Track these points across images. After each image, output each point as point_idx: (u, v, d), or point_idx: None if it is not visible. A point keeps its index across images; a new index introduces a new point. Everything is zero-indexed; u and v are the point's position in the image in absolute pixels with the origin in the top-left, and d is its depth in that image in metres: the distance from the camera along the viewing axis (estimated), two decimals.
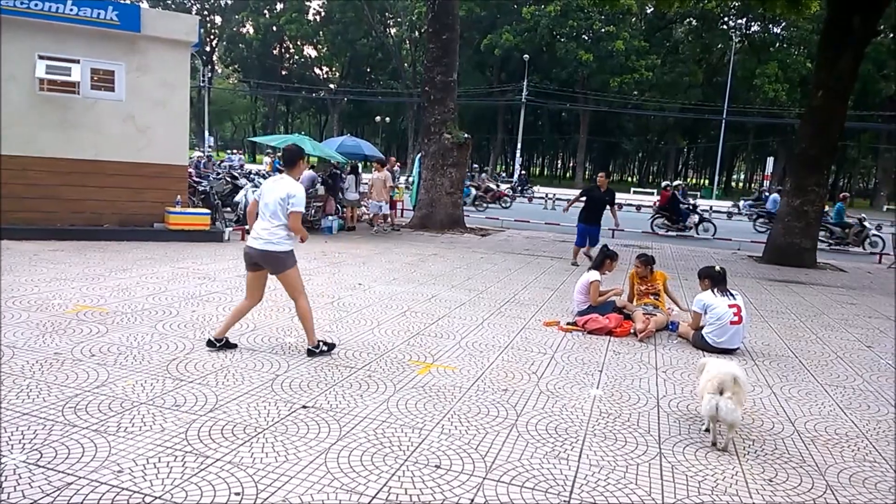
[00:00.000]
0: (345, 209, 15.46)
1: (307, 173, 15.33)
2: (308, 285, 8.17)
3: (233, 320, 5.32)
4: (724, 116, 49.06)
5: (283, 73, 71.19)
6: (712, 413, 3.94)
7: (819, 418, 4.67)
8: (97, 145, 10.90)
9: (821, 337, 7.35)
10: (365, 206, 16.59)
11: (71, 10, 10.30)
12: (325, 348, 5.30)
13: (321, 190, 14.79)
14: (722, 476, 3.63)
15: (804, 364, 6.14)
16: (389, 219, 15.70)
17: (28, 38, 10.22)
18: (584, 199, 12.06)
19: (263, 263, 5.12)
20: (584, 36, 51.29)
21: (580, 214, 11.97)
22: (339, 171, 15.89)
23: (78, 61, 10.56)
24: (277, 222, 5.00)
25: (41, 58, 10.28)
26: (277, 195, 4.98)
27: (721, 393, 3.94)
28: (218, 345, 5.22)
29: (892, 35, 43.84)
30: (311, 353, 5.23)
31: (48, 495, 2.94)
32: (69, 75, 10.43)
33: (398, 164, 16.02)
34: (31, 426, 3.64)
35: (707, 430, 4.14)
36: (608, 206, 11.92)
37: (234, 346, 5.35)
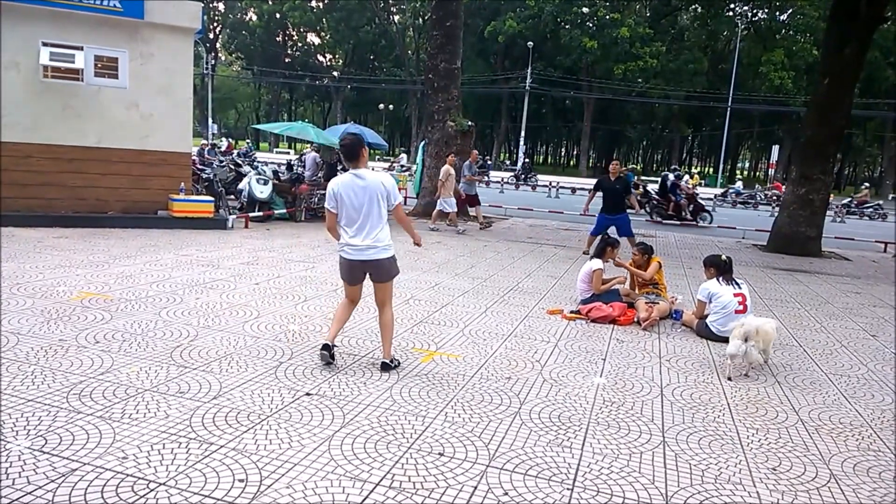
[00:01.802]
0: None
1: (310, 155, 15.25)
2: (312, 273, 8.22)
3: (340, 324, 4.82)
4: (729, 104, 48.86)
5: (287, 60, 70.93)
6: (734, 353, 5.13)
7: (823, 407, 4.67)
8: (101, 133, 10.89)
9: (825, 326, 7.33)
10: None
11: None
12: (397, 364, 4.81)
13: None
14: (726, 464, 3.63)
15: (808, 353, 6.13)
16: (450, 217, 14.13)
17: (31, 25, 10.18)
18: (599, 191, 11.77)
19: (374, 273, 4.64)
20: (588, 23, 50.99)
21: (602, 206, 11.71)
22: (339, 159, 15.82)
23: (81, 48, 10.52)
24: (381, 225, 4.51)
25: (45, 45, 10.25)
26: (370, 194, 4.44)
27: (746, 340, 5.10)
28: (333, 348, 4.72)
29: None
30: (385, 367, 4.72)
31: (53, 481, 2.96)
32: (73, 62, 10.40)
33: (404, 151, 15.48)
34: (35, 412, 3.65)
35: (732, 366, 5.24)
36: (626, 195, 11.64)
37: (334, 348, 4.81)
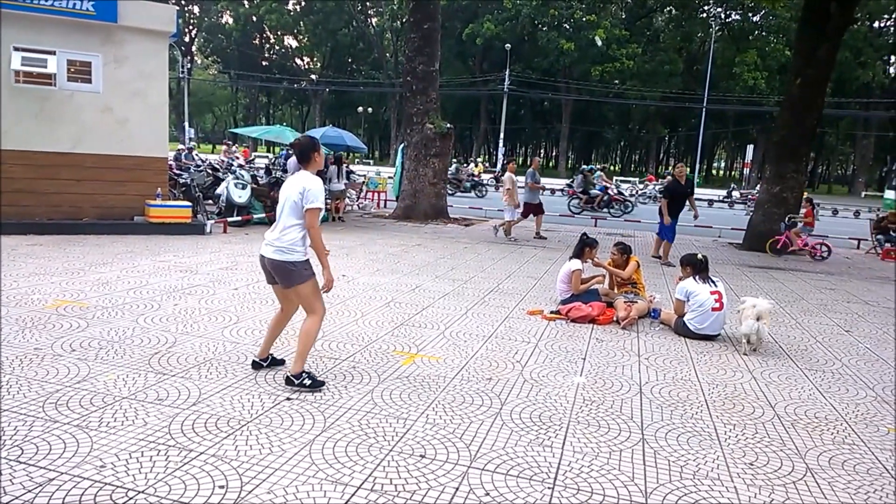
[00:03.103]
0: (327, 201, 15.36)
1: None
2: None
3: (272, 336, 4.75)
4: (704, 105, 49.37)
5: (264, 63, 70.48)
6: (750, 332, 5.85)
7: (799, 402, 4.74)
8: (75, 138, 10.76)
9: (800, 322, 7.44)
10: (349, 199, 16.49)
11: (46, 0, 10.13)
12: (307, 382, 4.34)
13: None
14: (703, 460, 3.67)
15: (784, 349, 6.22)
16: (507, 225, 13.72)
17: (2, 29, 10.03)
18: (670, 198, 11.51)
19: (273, 274, 4.41)
20: (565, 25, 51.30)
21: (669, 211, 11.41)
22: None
23: (54, 52, 10.39)
24: (292, 223, 4.27)
25: (16, 49, 10.11)
26: (293, 191, 4.26)
27: (758, 319, 5.81)
28: (264, 365, 4.70)
29: (868, 22, 44.24)
30: (289, 381, 4.38)
31: (30, 491, 2.92)
32: (45, 67, 10.28)
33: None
34: (11, 422, 3.60)
35: (748, 343, 5.96)
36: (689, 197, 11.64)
37: (282, 361, 4.74)
